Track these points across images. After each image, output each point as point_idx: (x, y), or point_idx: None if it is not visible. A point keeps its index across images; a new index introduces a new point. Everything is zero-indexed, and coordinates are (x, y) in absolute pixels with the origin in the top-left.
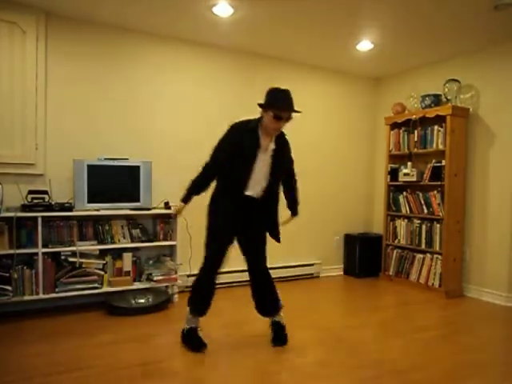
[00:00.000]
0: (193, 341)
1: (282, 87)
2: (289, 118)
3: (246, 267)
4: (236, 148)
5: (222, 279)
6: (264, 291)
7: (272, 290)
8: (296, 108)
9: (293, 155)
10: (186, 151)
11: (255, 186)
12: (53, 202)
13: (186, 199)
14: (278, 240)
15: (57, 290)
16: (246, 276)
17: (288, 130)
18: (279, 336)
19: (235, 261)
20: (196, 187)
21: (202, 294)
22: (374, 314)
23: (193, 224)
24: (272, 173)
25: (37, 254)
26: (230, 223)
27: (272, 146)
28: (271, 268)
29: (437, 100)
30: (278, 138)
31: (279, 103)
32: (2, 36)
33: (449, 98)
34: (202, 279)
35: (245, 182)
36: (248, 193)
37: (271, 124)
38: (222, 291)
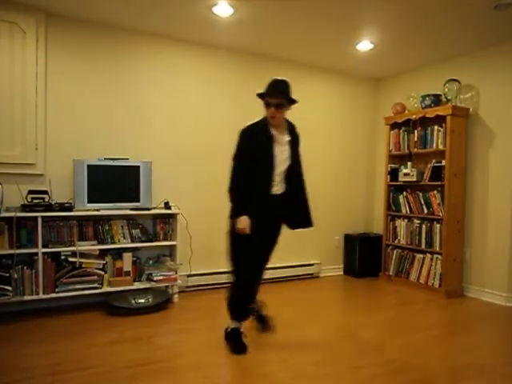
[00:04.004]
0: (234, 343)
1: (280, 78)
2: (281, 105)
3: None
4: (255, 148)
5: (217, 280)
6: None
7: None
8: (294, 98)
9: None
10: (186, 151)
11: (280, 179)
12: (53, 202)
13: (243, 213)
14: (311, 224)
15: (57, 290)
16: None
17: None
18: (265, 324)
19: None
20: (243, 196)
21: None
22: (373, 313)
23: (193, 224)
24: (292, 161)
25: (37, 253)
26: (258, 225)
27: (287, 137)
28: (271, 268)
29: (437, 100)
30: (291, 130)
31: (267, 90)
32: (2, 36)
33: (449, 98)
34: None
35: (271, 176)
36: (274, 189)
37: (266, 113)
38: (218, 291)
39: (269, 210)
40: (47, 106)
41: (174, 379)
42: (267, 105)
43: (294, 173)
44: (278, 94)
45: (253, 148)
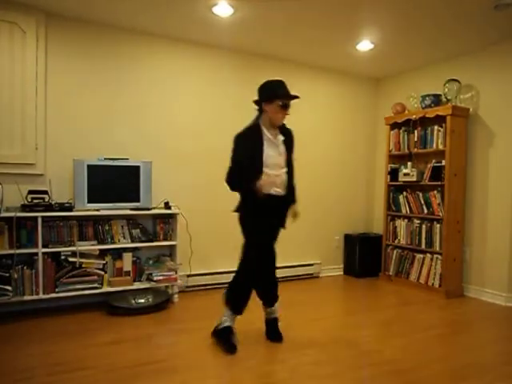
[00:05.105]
0: (225, 342)
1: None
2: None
3: None
4: (252, 152)
5: (217, 280)
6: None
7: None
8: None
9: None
10: (186, 151)
11: (276, 181)
12: (53, 202)
13: (251, 188)
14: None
15: (57, 290)
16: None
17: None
18: (275, 332)
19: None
20: (241, 181)
21: (244, 293)
22: (373, 313)
23: (193, 224)
24: (288, 163)
25: (37, 253)
26: (265, 227)
27: (281, 137)
28: None
29: (437, 100)
30: (283, 128)
31: (285, 91)
32: (2, 36)
33: (449, 98)
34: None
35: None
36: (271, 190)
37: (278, 114)
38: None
39: (267, 211)
40: (47, 106)
41: (173, 379)
42: (285, 106)
43: (290, 172)
44: (294, 95)
45: (250, 152)
